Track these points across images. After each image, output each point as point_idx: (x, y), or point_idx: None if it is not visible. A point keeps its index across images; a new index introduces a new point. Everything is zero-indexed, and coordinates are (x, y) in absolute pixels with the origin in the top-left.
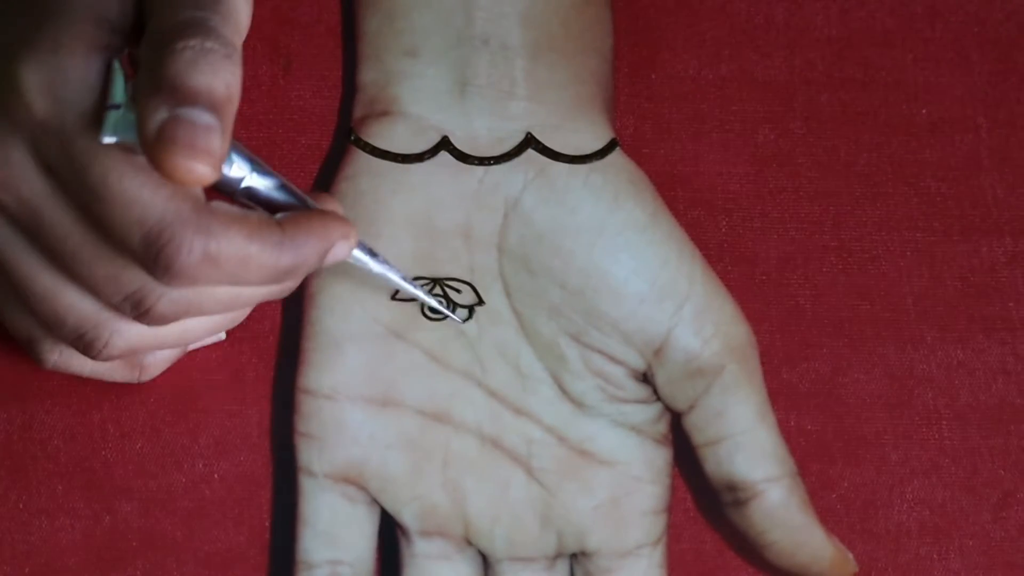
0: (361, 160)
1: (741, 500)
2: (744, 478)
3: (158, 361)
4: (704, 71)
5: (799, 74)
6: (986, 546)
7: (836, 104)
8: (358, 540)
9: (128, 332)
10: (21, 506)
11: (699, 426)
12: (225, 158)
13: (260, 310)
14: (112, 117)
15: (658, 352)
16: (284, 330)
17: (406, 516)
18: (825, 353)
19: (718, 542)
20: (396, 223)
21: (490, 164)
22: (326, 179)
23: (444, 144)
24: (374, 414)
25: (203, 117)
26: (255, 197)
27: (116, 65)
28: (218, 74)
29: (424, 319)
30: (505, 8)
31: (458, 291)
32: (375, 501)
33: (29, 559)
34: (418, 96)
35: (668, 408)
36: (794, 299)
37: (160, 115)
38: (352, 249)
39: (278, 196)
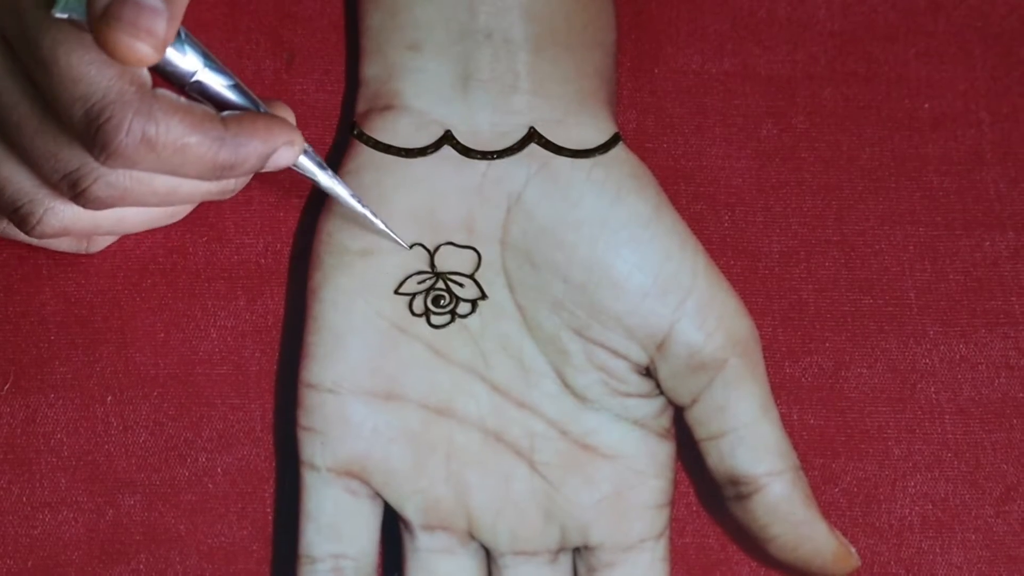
0: (364, 154)
1: (744, 494)
2: (747, 472)
3: (102, 237)
4: (707, 66)
5: (802, 69)
6: (988, 540)
7: (839, 99)
8: (361, 534)
9: (63, 212)
10: (24, 499)
11: (702, 420)
12: (168, 42)
13: (263, 303)
14: None
15: (661, 346)
16: (287, 324)
17: (409, 510)
18: (828, 347)
19: (721, 536)
20: (399, 217)
21: (493, 158)
22: None
23: (447, 138)
24: (377, 408)
25: (151, 0)
26: (205, 93)
27: None
28: None
29: (425, 320)
30: (508, 2)
31: (461, 285)
32: (378, 495)
33: (32, 552)
34: (421, 90)
35: (671, 402)
36: (797, 293)
37: None
38: (296, 156)
39: (230, 95)
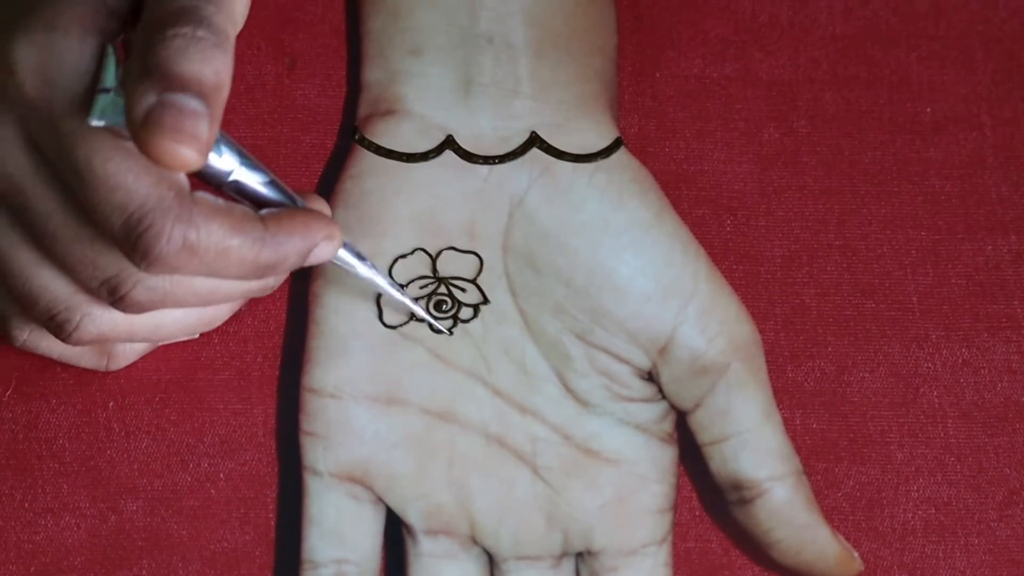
0: (366, 159)
1: (746, 498)
2: (749, 476)
3: (128, 351)
4: (708, 70)
5: (803, 73)
6: (992, 544)
7: (840, 103)
8: (364, 539)
9: (100, 318)
10: (26, 505)
11: (704, 424)
12: (212, 145)
13: (266, 309)
14: (101, 100)
15: (663, 350)
16: (289, 329)
17: (412, 515)
18: (830, 351)
19: (723, 540)
20: (401, 222)
21: (495, 163)
22: (330, 178)
23: (449, 143)
24: (379, 413)
25: (191, 103)
26: (242, 191)
27: (110, 49)
28: (208, 62)
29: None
30: (510, 7)
31: (463, 290)
32: (381, 500)
33: (34, 558)
34: (422, 95)
35: (673, 406)
36: (799, 297)
37: (148, 100)
38: (336, 250)
39: (266, 192)
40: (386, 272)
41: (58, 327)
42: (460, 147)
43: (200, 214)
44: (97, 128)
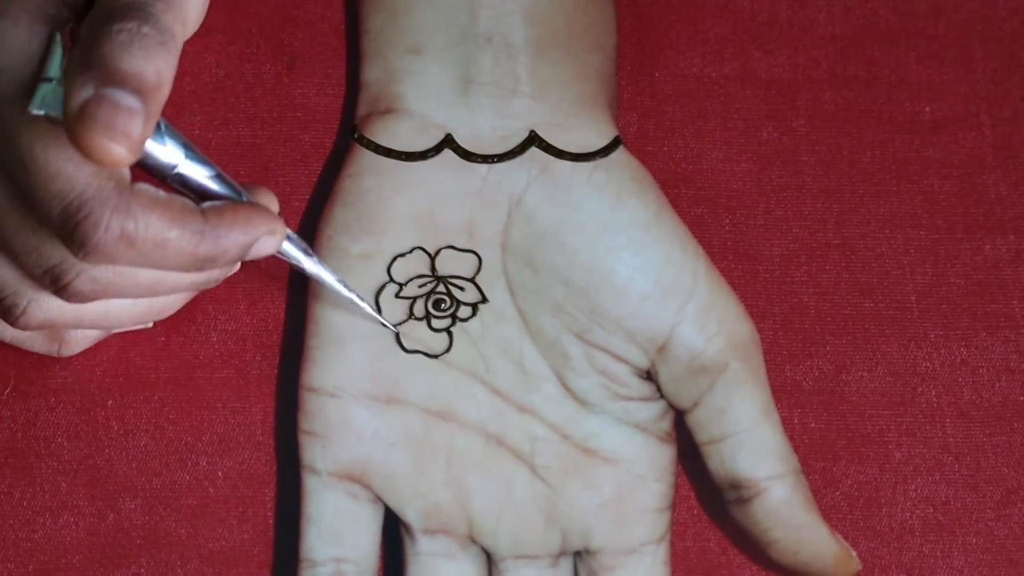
0: (365, 158)
1: (744, 498)
2: (747, 475)
3: (80, 337)
4: (707, 69)
5: (802, 72)
6: (989, 543)
7: (839, 102)
8: (362, 538)
9: (47, 304)
10: (25, 503)
11: (703, 424)
12: (143, 143)
13: (264, 308)
14: (43, 90)
15: (661, 349)
16: (288, 327)
17: (410, 514)
18: (828, 351)
19: (722, 540)
20: (400, 221)
21: (494, 162)
22: (330, 177)
23: (448, 142)
24: (378, 412)
25: (127, 100)
26: (187, 184)
27: (57, 38)
28: (150, 60)
29: (428, 321)
30: (509, 5)
31: (461, 289)
32: (379, 499)
33: (33, 557)
34: (422, 94)
35: (672, 406)
36: (797, 296)
37: (85, 92)
38: (278, 244)
39: (212, 186)
40: (328, 268)
41: (6, 311)
42: (459, 146)
43: (139, 205)
44: (38, 116)
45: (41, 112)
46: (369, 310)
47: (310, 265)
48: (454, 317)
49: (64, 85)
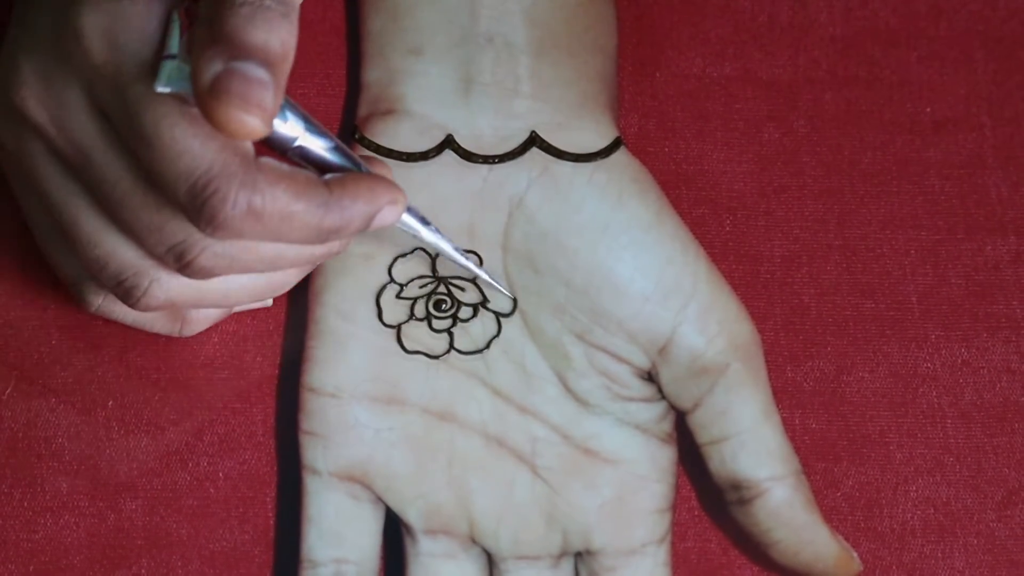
0: None
1: (745, 499)
2: (748, 476)
3: (201, 317)
4: (708, 70)
5: (803, 73)
6: (990, 544)
7: (840, 103)
8: (363, 539)
9: (168, 283)
10: (25, 504)
11: (703, 424)
12: (276, 114)
13: (265, 309)
14: (167, 67)
15: (662, 350)
16: (289, 328)
17: (411, 515)
18: (829, 351)
19: (722, 540)
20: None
21: (494, 163)
22: None
23: (448, 143)
24: (379, 412)
25: (257, 71)
26: (307, 157)
27: (175, 16)
28: (274, 31)
29: (428, 322)
30: (510, 6)
31: (462, 289)
32: (380, 500)
33: (34, 557)
34: (422, 95)
35: (673, 406)
36: (798, 297)
37: (215, 67)
38: (400, 214)
39: (331, 158)
40: (446, 238)
41: (126, 292)
42: (460, 147)
43: (264, 180)
44: (163, 94)
45: (168, 89)
46: (487, 277)
47: (427, 235)
48: (455, 318)
49: (190, 61)
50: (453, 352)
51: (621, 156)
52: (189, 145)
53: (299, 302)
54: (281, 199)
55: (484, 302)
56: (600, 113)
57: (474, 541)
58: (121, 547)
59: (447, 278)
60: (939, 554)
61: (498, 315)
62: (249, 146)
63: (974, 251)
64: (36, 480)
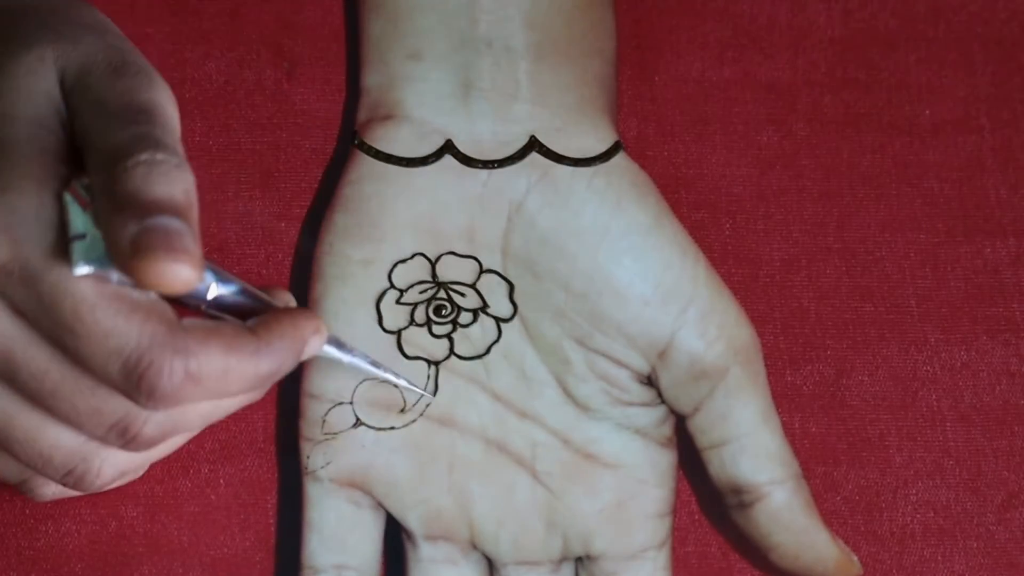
0: (365, 164)
1: (746, 503)
2: (748, 480)
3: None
4: (707, 73)
5: (802, 76)
6: (990, 547)
7: (839, 106)
8: (364, 544)
9: (117, 457)
10: (27, 511)
11: (703, 429)
12: (202, 260)
13: None
14: (79, 247)
15: (662, 355)
16: None
17: (411, 520)
18: (829, 355)
19: (723, 545)
20: (400, 227)
21: (494, 167)
22: (330, 183)
23: (448, 147)
24: (379, 418)
25: (173, 223)
26: (222, 306)
27: (67, 197)
28: (174, 183)
29: (428, 327)
30: (509, 10)
31: (462, 295)
32: (380, 505)
33: (35, 564)
34: (422, 99)
35: (672, 411)
36: (798, 301)
37: (130, 230)
38: (324, 340)
39: (244, 301)
40: (367, 356)
41: (79, 480)
42: (459, 151)
43: (195, 342)
44: (77, 279)
45: (87, 269)
46: (410, 386)
47: (347, 358)
48: (455, 323)
49: (100, 236)
50: (453, 357)
51: (620, 160)
52: (113, 324)
53: None
54: (215, 358)
55: (484, 307)
56: (599, 117)
57: (474, 546)
58: (122, 554)
59: (447, 283)
60: (939, 557)
61: (498, 320)
62: (172, 312)
63: (973, 253)
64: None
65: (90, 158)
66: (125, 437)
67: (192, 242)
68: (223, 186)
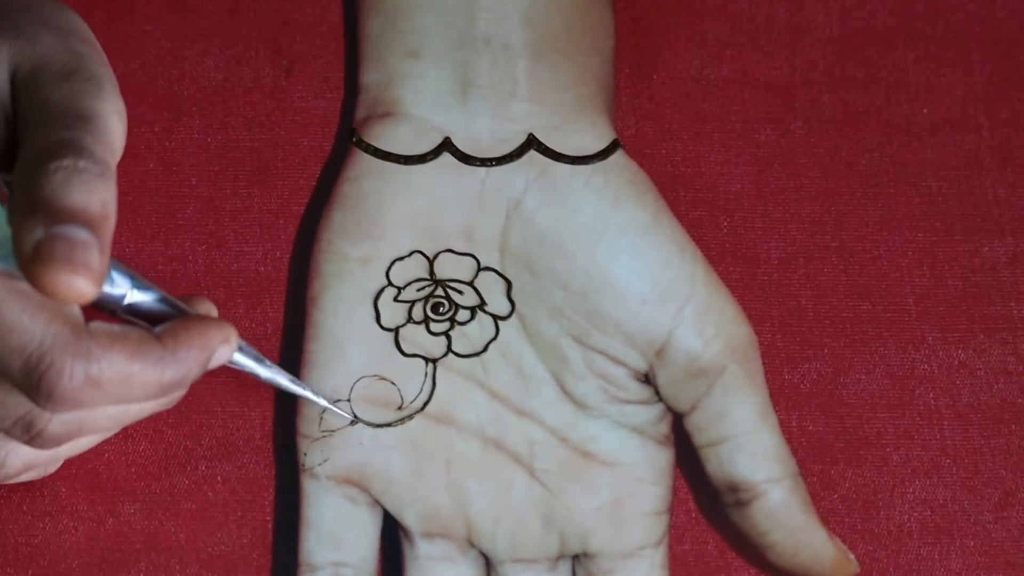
0: (364, 162)
1: (743, 501)
2: (746, 479)
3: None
4: (705, 71)
5: (800, 74)
6: (987, 546)
7: (837, 104)
8: (361, 542)
9: (23, 450)
10: (24, 508)
11: (701, 427)
12: (104, 274)
13: (263, 313)
14: None
15: (660, 353)
16: (286, 332)
17: (409, 518)
18: (826, 353)
19: (720, 543)
20: (398, 224)
21: (492, 165)
22: (328, 181)
23: (446, 145)
24: (377, 415)
25: (80, 234)
26: (137, 313)
27: None
28: (92, 193)
29: (426, 324)
30: (507, 8)
31: (460, 292)
32: (377, 503)
33: (32, 561)
34: (420, 97)
35: (670, 409)
36: (795, 299)
37: (36, 234)
38: (233, 350)
39: (160, 308)
40: (283, 372)
41: None
42: (458, 149)
43: (98, 346)
44: None
45: None
46: (325, 403)
47: (263, 371)
48: (453, 321)
49: (12, 233)
50: (451, 355)
51: (618, 158)
52: (18, 320)
53: (296, 305)
54: (117, 364)
55: (482, 305)
56: (597, 115)
57: (472, 544)
58: (120, 551)
59: (445, 281)
60: (936, 555)
61: (496, 318)
62: (79, 314)
63: (971, 252)
64: (34, 484)
65: (20, 157)
66: (30, 433)
67: (96, 256)
68: (221, 183)
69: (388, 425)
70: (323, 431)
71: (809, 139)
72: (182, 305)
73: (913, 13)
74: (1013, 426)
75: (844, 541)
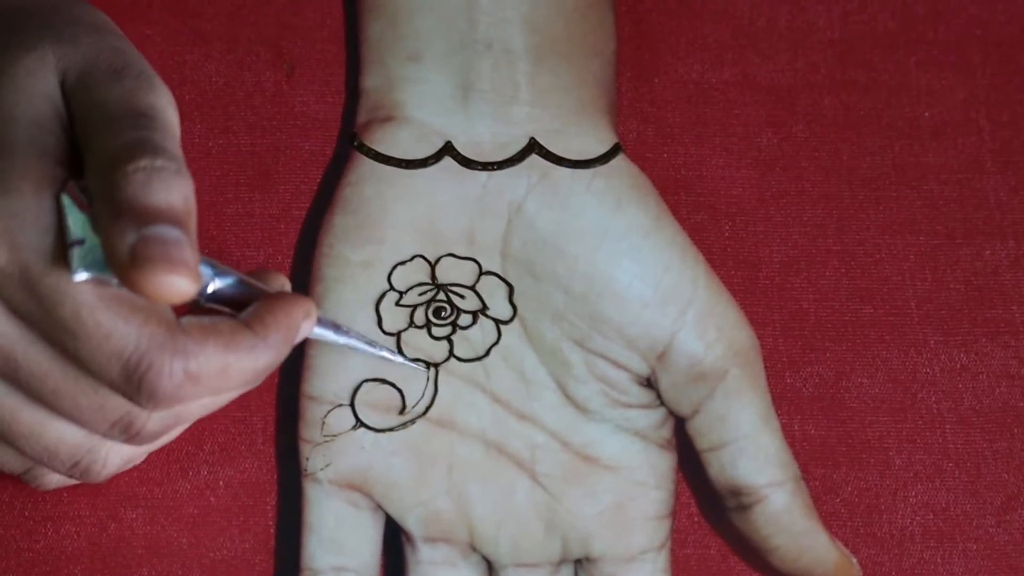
0: (365, 166)
1: (745, 505)
2: (748, 483)
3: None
4: (707, 75)
5: (802, 77)
6: (990, 550)
7: (839, 107)
8: (363, 546)
9: (122, 449)
10: (26, 513)
11: (703, 431)
12: (199, 270)
13: None
14: (78, 253)
15: (661, 357)
16: None
17: (411, 522)
18: (828, 357)
19: (722, 547)
20: (400, 229)
21: (493, 169)
22: (330, 185)
23: (447, 149)
24: (378, 420)
25: (171, 233)
26: (219, 299)
27: (65, 200)
28: (174, 189)
29: (428, 329)
30: (508, 12)
31: (462, 296)
32: (379, 507)
33: (35, 567)
34: (421, 101)
35: (672, 413)
36: (797, 303)
37: (129, 238)
38: (314, 323)
39: (239, 290)
40: (362, 336)
41: (85, 471)
42: (459, 153)
43: (193, 342)
44: (77, 281)
45: (86, 275)
46: (402, 360)
47: (340, 339)
48: (454, 325)
49: (100, 241)
50: (452, 359)
51: (620, 162)
52: (113, 326)
53: None
54: (214, 357)
55: (483, 309)
56: (599, 119)
57: (474, 548)
58: (122, 556)
59: (446, 285)
60: (938, 559)
61: (497, 322)
62: (170, 312)
63: (973, 256)
64: (37, 489)
65: (90, 162)
66: (128, 433)
67: (190, 252)
68: (222, 188)
69: (390, 430)
70: (325, 436)
71: (811, 142)
72: (260, 285)
73: (914, 16)
74: (1016, 430)
75: (846, 545)
